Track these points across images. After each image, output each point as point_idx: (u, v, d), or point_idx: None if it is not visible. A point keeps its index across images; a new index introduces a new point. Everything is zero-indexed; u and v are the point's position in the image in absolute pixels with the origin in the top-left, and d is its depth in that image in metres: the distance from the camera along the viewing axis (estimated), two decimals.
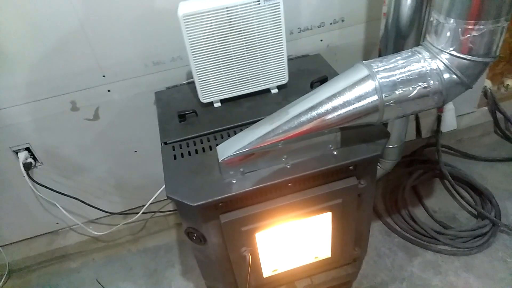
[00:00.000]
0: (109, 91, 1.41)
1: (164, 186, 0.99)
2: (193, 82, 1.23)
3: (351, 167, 1.03)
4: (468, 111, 2.04)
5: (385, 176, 1.80)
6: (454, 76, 0.91)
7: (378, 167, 1.66)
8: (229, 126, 1.16)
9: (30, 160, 1.48)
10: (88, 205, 1.61)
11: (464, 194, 1.76)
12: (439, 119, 1.86)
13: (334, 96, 0.92)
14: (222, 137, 1.12)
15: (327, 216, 1.12)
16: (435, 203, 1.77)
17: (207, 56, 1.14)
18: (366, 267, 1.55)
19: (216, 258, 1.12)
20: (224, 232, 1.02)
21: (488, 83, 2.03)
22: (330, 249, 1.22)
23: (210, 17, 1.07)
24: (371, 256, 1.59)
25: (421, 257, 1.56)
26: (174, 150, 1.10)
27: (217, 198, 0.94)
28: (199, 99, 1.23)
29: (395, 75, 0.91)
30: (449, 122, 1.92)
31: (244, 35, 1.13)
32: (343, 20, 1.50)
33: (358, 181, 1.06)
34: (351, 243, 1.24)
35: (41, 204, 1.64)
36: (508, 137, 2.04)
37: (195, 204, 0.92)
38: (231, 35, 1.12)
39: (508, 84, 2.07)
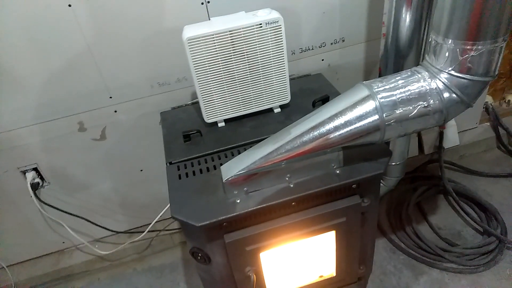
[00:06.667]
0: (115, 111, 1.44)
1: (169, 205, 1.00)
2: (197, 103, 1.26)
3: (354, 186, 1.04)
4: (470, 127, 2.04)
5: (389, 193, 1.80)
6: (454, 95, 0.92)
7: (381, 184, 1.67)
8: (233, 145, 1.17)
9: (37, 180, 1.50)
10: (94, 224, 1.62)
11: (468, 210, 1.75)
12: (441, 136, 1.87)
13: (335, 116, 0.93)
14: (226, 157, 1.14)
15: (331, 235, 1.12)
16: (440, 219, 1.76)
17: (211, 77, 1.17)
18: (372, 286, 1.53)
19: (221, 277, 1.12)
20: (229, 251, 1.03)
21: (489, 99, 2.04)
22: (335, 267, 1.22)
23: (213, 40, 1.10)
24: (376, 274, 1.57)
25: (427, 275, 1.55)
26: (179, 169, 1.11)
27: (221, 218, 0.94)
28: (203, 119, 1.25)
29: (395, 94, 0.92)
30: (452, 138, 1.93)
31: (247, 57, 1.16)
32: (343, 40, 1.53)
33: (361, 200, 1.07)
34: (356, 262, 1.23)
35: (47, 224, 1.65)
36: (511, 152, 2.04)
37: (199, 224, 0.93)
38: (234, 57, 1.15)
39: (509, 100, 2.08)
